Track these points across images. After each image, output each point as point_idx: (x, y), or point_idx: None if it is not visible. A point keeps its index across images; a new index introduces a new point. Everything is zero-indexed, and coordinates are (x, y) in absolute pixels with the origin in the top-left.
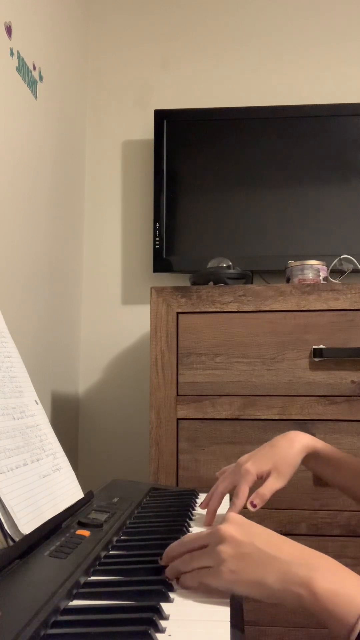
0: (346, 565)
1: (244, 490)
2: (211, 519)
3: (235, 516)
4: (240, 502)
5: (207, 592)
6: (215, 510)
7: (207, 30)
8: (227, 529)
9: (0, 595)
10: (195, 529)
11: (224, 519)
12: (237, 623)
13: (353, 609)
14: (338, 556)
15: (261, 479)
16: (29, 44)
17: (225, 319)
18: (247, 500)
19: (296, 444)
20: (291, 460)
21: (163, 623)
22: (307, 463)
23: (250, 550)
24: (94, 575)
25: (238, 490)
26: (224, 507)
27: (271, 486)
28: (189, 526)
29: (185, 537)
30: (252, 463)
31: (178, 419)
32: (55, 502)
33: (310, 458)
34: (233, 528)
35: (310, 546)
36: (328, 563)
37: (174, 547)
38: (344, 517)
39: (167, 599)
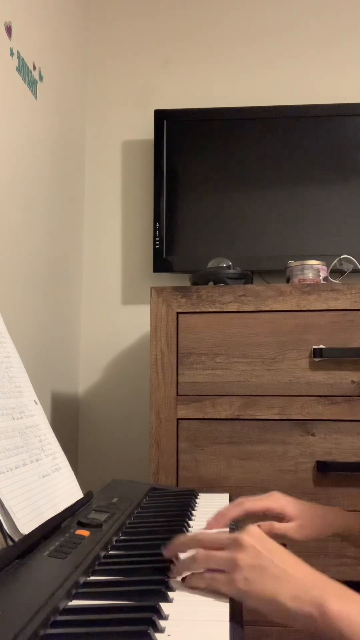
0: (346, 565)
1: (258, 504)
2: (216, 523)
3: (255, 528)
4: (243, 506)
5: (215, 596)
6: (227, 518)
7: (208, 31)
8: (248, 538)
9: (0, 595)
10: (195, 529)
11: (242, 529)
12: (237, 623)
13: None
14: (338, 556)
15: (279, 520)
16: (29, 44)
17: (225, 319)
18: (246, 515)
19: (332, 516)
20: (321, 526)
21: (162, 623)
22: (346, 540)
23: (268, 564)
24: (93, 575)
25: (254, 502)
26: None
27: (286, 529)
28: (189, 526)
29: (199, 534)
30: (287, 502)
31: (178, 419)
32: (54, 502)
33: (348, 537)
34: (253, 539)
35: (310, 546)
36: (340, 587)
37: (185, 540)
38: None
39: (167, 599)
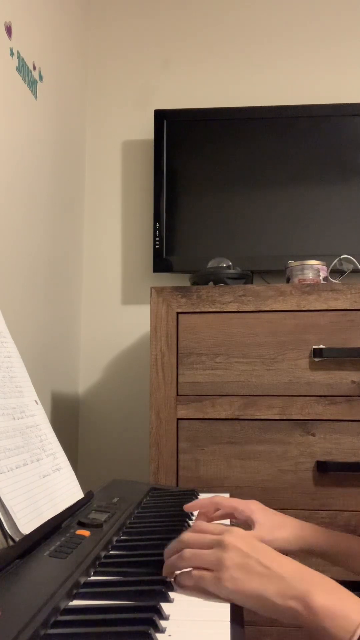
0: None
1: (228, 501)
2: (192, 505)
3: (238, 529)
4: (214, 500)
5: (204, 594)
6: (197, 508)
7: (208, 31)
8: (232, 539)
9: (0, 595)
10: None
11: (226, 529)
12: (237, 623)
13: (348, 626)
14: None
15: (247, 526)
16: (29, 44)
17: (225, 319)
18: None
19: (308, 532)
20: (289, 538)
21: (163, 623)
22: (324, 559)
23: (254, 563)
24: (94, 575)
25: (225, 499)
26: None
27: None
28: (189, 526)
29: (184, 536)
30: (257, 508)
31: (178, 419)
32: (55, 502)
33: (310, 553)
34: (237, 540)
35: None
36: (326, 581)
37: (173, 549)
38: (344, 517)
39: (167, 599)
